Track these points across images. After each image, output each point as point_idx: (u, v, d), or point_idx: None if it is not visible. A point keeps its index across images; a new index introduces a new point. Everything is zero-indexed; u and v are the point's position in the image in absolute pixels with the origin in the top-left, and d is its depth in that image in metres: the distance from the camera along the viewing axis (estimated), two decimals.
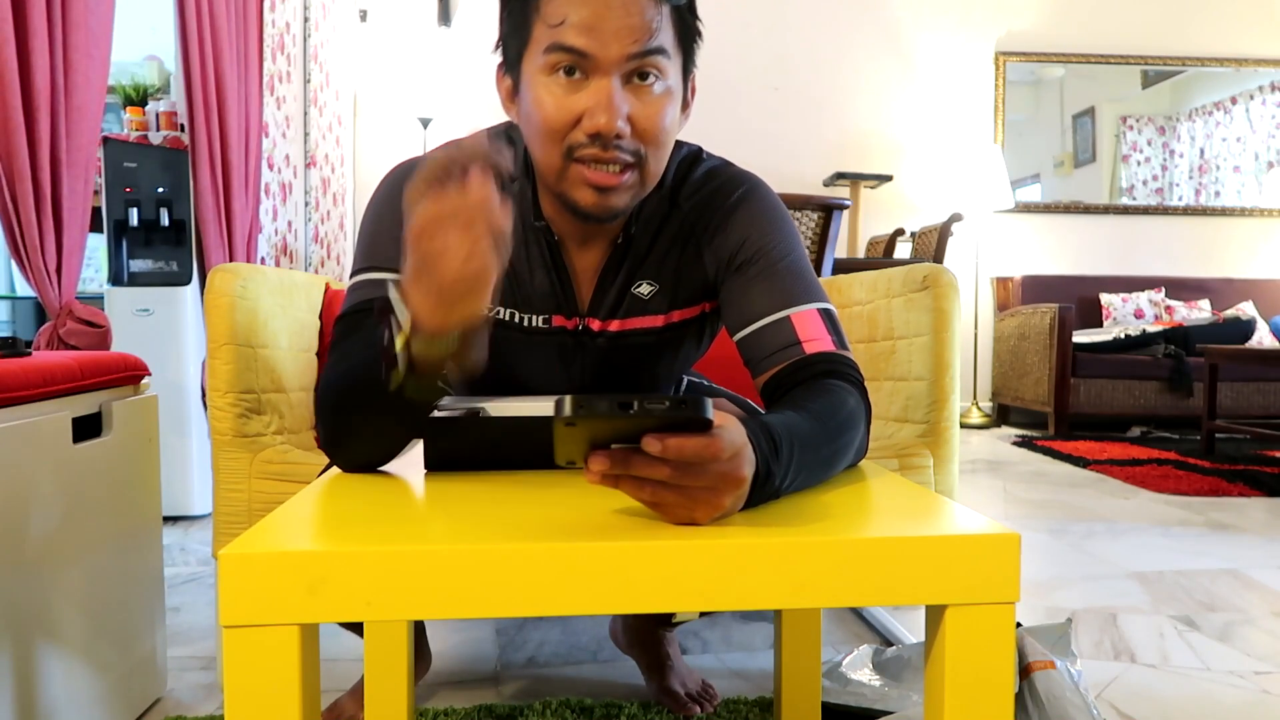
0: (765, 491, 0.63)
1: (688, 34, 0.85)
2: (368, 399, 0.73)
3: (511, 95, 0.88)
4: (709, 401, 0.55)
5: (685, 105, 0.90)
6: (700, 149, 0.99)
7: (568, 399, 0.53)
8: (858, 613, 1.74)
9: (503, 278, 0.94)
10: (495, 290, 0.95)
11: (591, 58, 0.78)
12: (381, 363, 0.70)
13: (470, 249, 0.62)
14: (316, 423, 0.80)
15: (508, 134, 0.95)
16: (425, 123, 4.51)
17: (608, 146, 0.81)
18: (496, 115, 0.94)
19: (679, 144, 0.97)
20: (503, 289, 0.95)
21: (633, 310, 0.96)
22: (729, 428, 0.57)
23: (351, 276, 0.89)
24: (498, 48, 0.89)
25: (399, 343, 0.68)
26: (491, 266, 0.63)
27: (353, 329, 0.84)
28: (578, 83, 0.80)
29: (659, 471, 0.56)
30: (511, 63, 0.87)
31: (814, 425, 0.71)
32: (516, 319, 0.96)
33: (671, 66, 0.83)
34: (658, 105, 0.82)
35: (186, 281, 2.58)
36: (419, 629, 1.36)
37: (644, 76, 0.81)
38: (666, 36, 0.81)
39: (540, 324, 0.96)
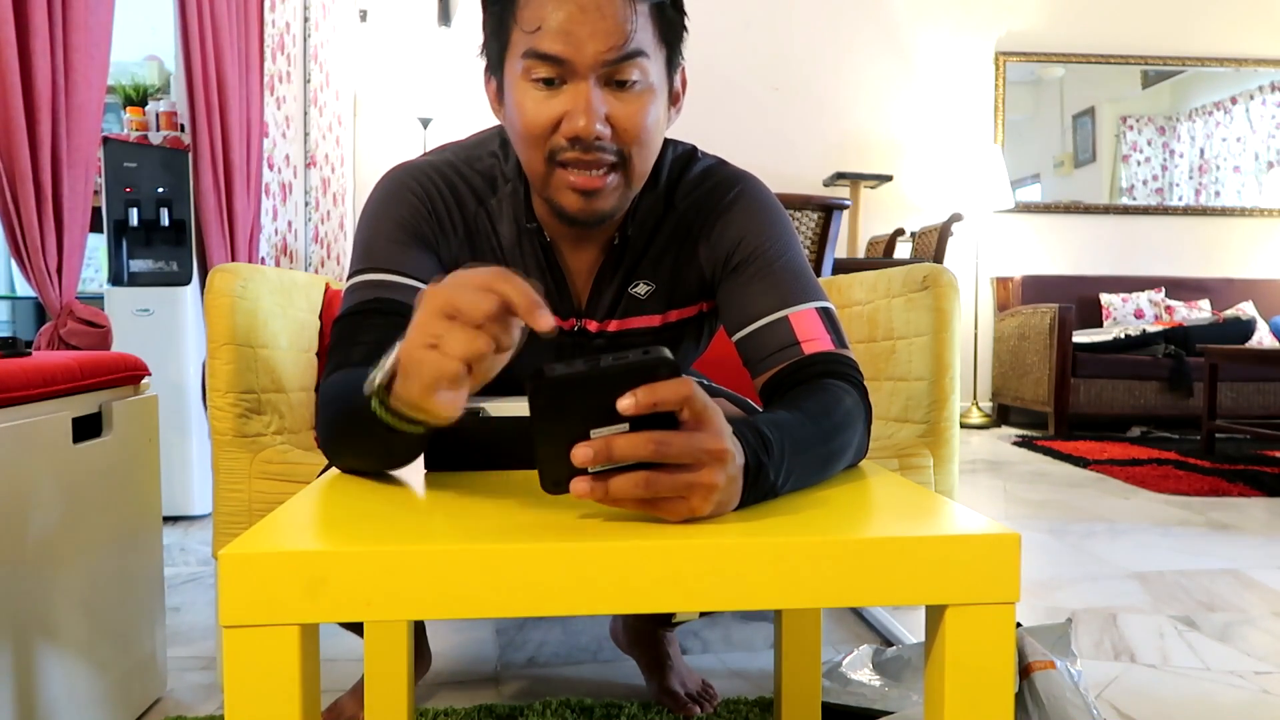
0: (761, 488, 0.62)
1: (670, 30, 0.84)
2: (360, 428, 0.70)
3: (498, 97, 0.88)
4: (666, 349, 0.56)
5: (675, 100, 0.89)
6: (695, 148, 0.98)
7: (539, 371, 0.54)
8: (858, 613, 1.74)
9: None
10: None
11: (568, 63, 0.78)
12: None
13: (463, 351, 0.56)
14: (316, 429, 0.79)
15: (501, 137, 0.95)
16: (425, 123, 4.51)
17: (589, 149, 0.80)
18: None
19: (674, 143, 0.97)
20: None
21: (630, 310, 0.96)
22: (695, 388, 0.57)
23: (348, 279, 0.89)
24: (483, 51, 0.88)
25: (379, 380, 0.64)
26: (462, 381, 0.58)
27: (350, 331, 0.83)
28: (556, 87, 0.80)
29: (643, 447, 0.55)
30: (494, 66, 0.87)
31: (808, 424, 0.71)
32: None
33: (652, 65, 0.82)
34: (638, 104, 0.81)
35: (186, 281, 2.58)
36: (419, 629, 1.36)
37: (623, 79, 0.80)
38: (645, 36, 0.80)
39: None
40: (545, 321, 0.56)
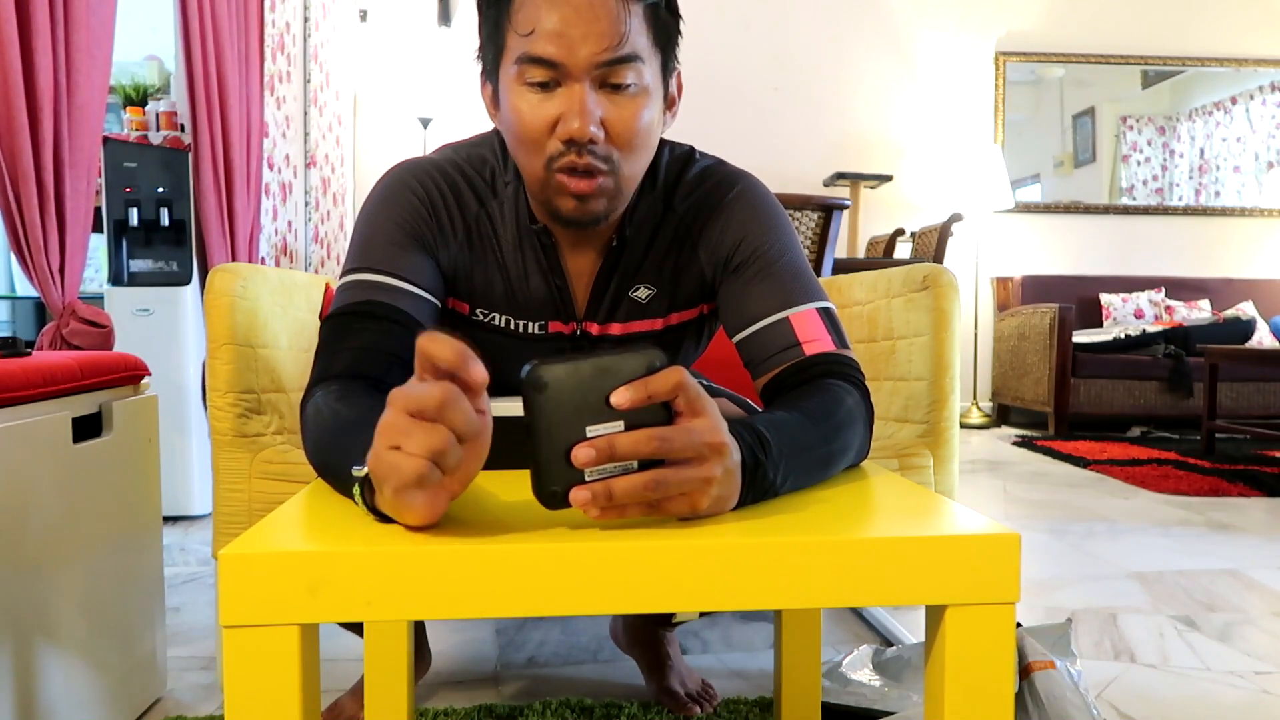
0: (759, 487, 0.62)
1: (665, 33, 0.84)
2: (345, 491, 0.66)
3: (494, 102, 0.88)
4: (657, 348, 0.57)
5: (671, 103, 0.89)
6: (693, 149, 0.98)
7: (531, 366, 0.55)
8: (858, 613, 1.74)
9: (500, 294, 0.94)
10: (494, 301, 0.94)
11: (562, 66, 0.78)
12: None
13: (424, 446, 0.51)
14: (303, 444, 0.76)
15: (498, 138, 0.95)
16: (425, 123, 4.51)
17: (582, 153, 0.80)
18: None
19: (671, 144, 0.96)
20: (498, 295, 0.95)
21: (632, 314, 0.96)
22: (686, 376, 0.57)
23: (342, 276, 0.88)
24: (478, 56, 0.88)
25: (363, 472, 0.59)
26: (433, 480, 0.52)
27: (338, 334, 0.83)
28: (551, 90, 0.80)
29: (645, 444, 0.55)
30: (490, 71, 0.86)
31: (808, 424, 0.71)
32: (511, 325, 0.96)
33: (647, 68, 0.82)
34: (633, 108, 0.81)
35: (186, 281, 2.58)
36: (419, 629, 1.36)
37: (617, 82, 0.80)
38: (640, 39, 0.80)
39: (536, 330, 0.96)
40: (477, 373, 0.52)
